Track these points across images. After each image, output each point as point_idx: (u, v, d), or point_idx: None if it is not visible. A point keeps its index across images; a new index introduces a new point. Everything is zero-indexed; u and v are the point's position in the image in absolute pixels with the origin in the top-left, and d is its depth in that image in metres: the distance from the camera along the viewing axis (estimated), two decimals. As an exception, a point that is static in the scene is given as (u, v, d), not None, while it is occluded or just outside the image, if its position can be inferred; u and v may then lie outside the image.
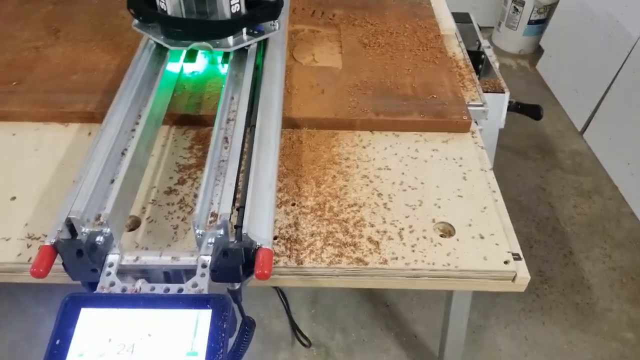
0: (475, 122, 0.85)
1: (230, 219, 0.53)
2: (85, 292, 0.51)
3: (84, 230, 0.51)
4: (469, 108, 0.83)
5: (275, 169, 0.62)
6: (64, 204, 0.53)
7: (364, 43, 0.94)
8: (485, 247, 0.63)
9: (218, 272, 0.51)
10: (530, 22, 2.27)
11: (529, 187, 1.73)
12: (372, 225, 0.64)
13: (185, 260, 0.52)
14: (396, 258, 0.61)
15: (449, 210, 0.67)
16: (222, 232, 0.52)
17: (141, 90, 0.69)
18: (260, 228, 0.53)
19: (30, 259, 0.58)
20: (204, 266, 0.51)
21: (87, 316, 0.44)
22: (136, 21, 0.76)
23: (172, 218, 0.63)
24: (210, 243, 0.52)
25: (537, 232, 1.59)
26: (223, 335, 0.43)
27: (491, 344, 1.32)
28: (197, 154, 0.72)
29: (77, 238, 0.51)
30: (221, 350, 0.42)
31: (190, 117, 0.77)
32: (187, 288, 0.49)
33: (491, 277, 0.62)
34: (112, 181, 0.57)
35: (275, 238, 0.62)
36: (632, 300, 1.41)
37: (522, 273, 0.62)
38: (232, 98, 0.70)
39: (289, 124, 0.77)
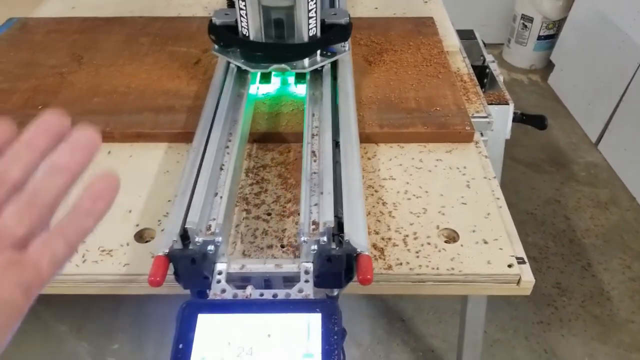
0: (481, 133, 0.87)
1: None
2: (200, 299, 0.52)
3: (198, 239, 0.53)
4: (474, 120, 0.85)
5: (361, 180, 0.64)
6: (174, 216, 0.55)
7: (369, 61, 0.97)
8: (489, 251, 0.64)
9: (321, 278, 0.52)
10: (539, 38, 2.29)
11: (543, 199, 1.73)
12: (377, 233, 0.66)
13: (288, 267, 0.54)
14: (401, 264, 0.63)
15: (452, 217, 0.69)
16: (325, 239, 0.53)
17: (229, 111, 0.73)
18: (358, 235, 0.55)
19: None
20: (306, 272, 0.52)
21: (204, 322, 0.45)
22: (216, 46, 0.81)
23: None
24: (313, 250, 0.53)
25: (553, 244, 1.58)
26: (336, 337, 0.43)
27: (510, 358, 1.30)
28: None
29: (190, 247, 0.53)
30: (336, 352, 0.43)
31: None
32: (294, 293, 0.50)
33: (495, 281, 0.63)
34: (216, 194, 0.61)
35: (282, 247, 0.64)
36: (653, 312, 1.39)
37: (527, 276, 0.63)
38: (314, 115, 0.73)
39: (298, 138, 0.80)
